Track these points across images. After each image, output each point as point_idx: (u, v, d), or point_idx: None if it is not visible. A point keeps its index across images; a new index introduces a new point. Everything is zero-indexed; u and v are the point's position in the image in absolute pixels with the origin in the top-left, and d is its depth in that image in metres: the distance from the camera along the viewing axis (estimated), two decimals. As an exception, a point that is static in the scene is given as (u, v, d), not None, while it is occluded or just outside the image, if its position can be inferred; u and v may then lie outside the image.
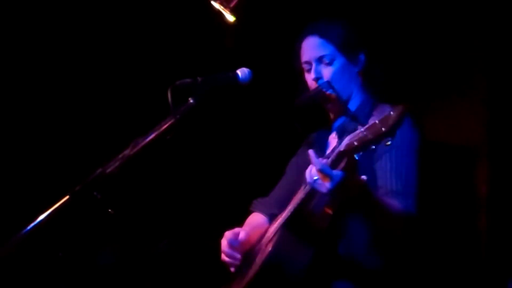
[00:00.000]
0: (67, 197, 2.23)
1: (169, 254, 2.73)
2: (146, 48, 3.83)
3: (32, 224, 2.21)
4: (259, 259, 2.59)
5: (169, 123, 2.37)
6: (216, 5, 2.97)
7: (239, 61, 2.64)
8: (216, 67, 2.61)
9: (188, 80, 2.46)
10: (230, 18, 2.97)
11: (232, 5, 2.95)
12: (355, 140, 2.22)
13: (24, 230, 2.21)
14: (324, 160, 2.29)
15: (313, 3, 3.05)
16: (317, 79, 2.70)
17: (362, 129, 2.22)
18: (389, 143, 2.21)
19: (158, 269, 3.41)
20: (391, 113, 2.18)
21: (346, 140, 2.25)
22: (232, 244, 2.70)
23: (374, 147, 2.22)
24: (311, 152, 2.31)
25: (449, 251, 3.44)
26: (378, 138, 2.20)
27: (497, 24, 3.39)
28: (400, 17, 3.54)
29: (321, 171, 2.26)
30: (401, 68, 3.55)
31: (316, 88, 2.70)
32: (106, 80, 3.81)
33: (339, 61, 2.70)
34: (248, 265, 2.67)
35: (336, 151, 2.29)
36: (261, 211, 2.95)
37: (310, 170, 2.31)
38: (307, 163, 2.36)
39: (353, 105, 2.74)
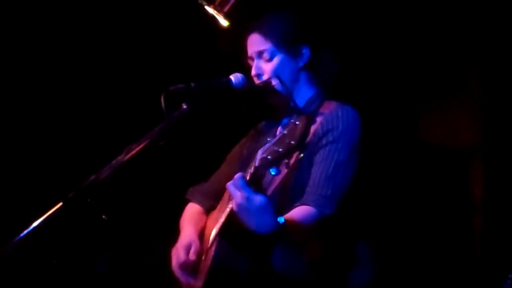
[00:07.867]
0: (60, 203, 2.23)
1: (164, 258, 2.74)
2: (139, 53, 3.82)
3: (26, 231, 2.21)
4: (206, 264, 2.55)
5: (163, 128, 2.37)
6: (210, 10, 2.97)
7: (232, 66, 2.64)
8: (210, 72, 2.61)
9: (181, 85, 2.46)
10: (224, 22, 2.97)
11: (226, 9, 2.95)
12: (268, 155, 2.16)
13: (18, 237, 2.21)
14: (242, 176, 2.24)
15: (307, 8, 3.04)
16: (257, 75, 2.68)
17: (273, 142, 2.15)
18: (302, 155, 2.13)
19: (153, 274, 3.40)
20: (297, 123, 2.11)
21: (259, 155, 2.20)
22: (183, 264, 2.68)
23: (287, 160, 2.12)
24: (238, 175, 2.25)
25: (444, 253, 3.45)
26: (289, 152, 2.12)
27: (491, 26, 3.39)
28: (396, 18, 3.54)
29: (236, 186, 2.23)
30: (396, 69, 3.56)
31: (266, 80, 2.65)
32: (99, 85, 3.80)
33: (279, 56, 2.66)
34: (196, 269, 2.65)
35: (252, 166, 2.24)
36: (198, 202, 2.94)
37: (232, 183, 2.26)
38: (250, 154, 2.33)
39: (300, 101, 2.69)
